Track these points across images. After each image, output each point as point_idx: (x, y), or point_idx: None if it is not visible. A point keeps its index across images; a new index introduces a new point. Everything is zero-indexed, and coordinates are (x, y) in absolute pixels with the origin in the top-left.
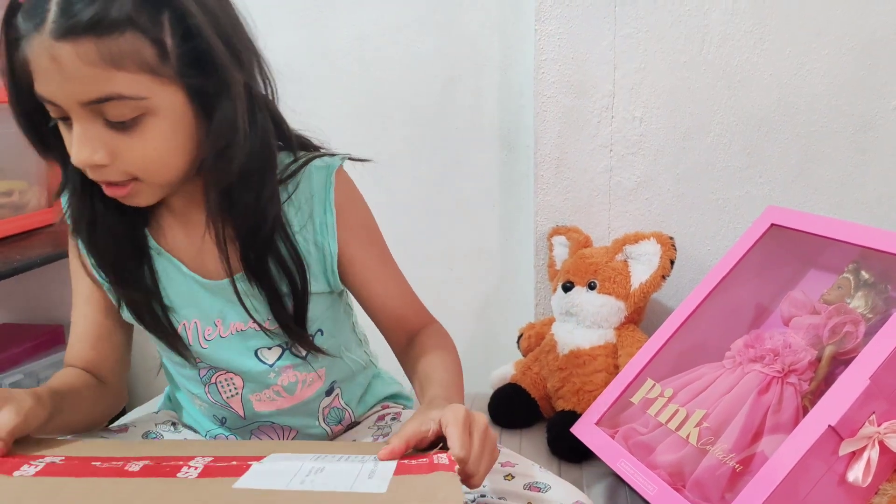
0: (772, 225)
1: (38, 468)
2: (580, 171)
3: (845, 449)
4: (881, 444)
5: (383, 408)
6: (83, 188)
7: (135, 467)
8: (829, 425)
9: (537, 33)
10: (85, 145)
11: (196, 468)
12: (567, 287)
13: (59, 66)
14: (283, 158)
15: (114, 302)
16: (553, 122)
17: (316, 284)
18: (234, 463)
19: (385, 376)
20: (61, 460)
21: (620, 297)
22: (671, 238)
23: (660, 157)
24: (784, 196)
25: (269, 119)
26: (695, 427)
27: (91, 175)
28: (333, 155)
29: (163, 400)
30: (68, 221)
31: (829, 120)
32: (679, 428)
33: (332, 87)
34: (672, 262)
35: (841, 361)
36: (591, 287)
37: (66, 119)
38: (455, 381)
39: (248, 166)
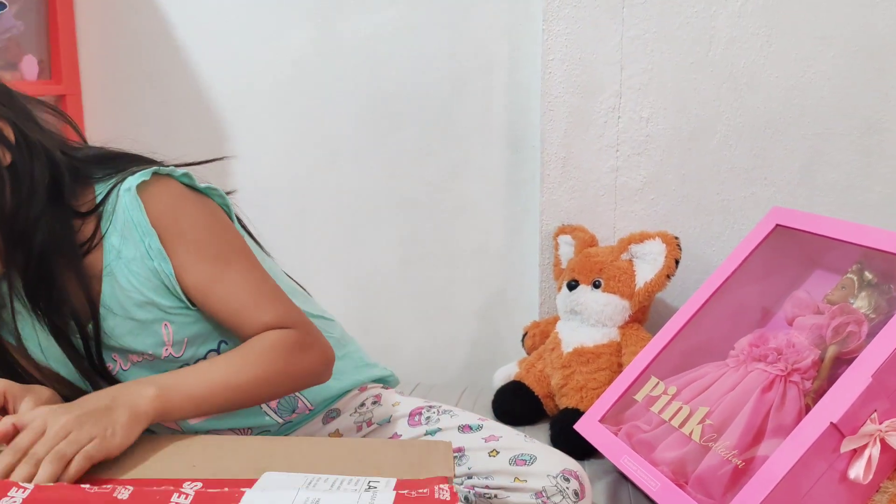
0: (776, 225)
1: (27, 494)
2: (586, 171)
3: (847, 446)
4: (882, 441)
5: (361, 390)
6: None
7: (123, 494)
8: (831, 422)
9: (545, 34)
10: None
11: (187, 496)
12: (572, 285)
13: None
14: (99, 188)
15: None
16: (560, 122)
17: (173, 307)
18: (227, 490)
19: (355, 359)
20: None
21: (625, 296)
22: (676, 238)
23: (666, 158)
24: (789, 197)
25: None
26: (698, 424)
27: None
28: (142, 170)
29: None
30: None
31: (834, 122)
32: (682, 425)
33: (342, 86)
34: (677, 262)
35: (844, 361)
36: (596, 286)
37: None
38: (190, 375)
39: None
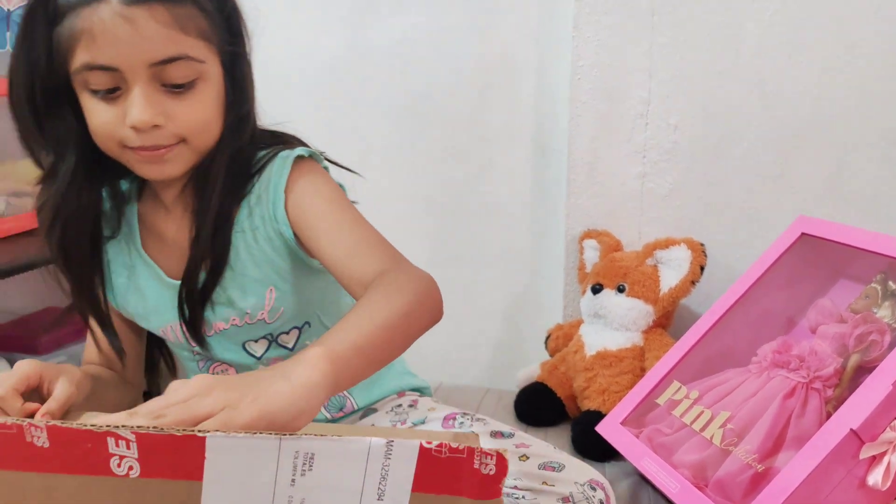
0: (802, 234)
1: None
2: (613, 176)
3: (866, 453)
4: None
5: (399, 396)
6: (78, 180)
7: (40, 439)
8: (851, 429)
9: (574, 40)
10: (147, 107)
11: (130, 454)
12: (596, 289)
13: (135, 28)
14: (259, 154)
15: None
16: (587, 127)
17: (290, 269)
18: (177, 445)
19: (398, 368)
20: None
21: (649, 300)
22: (702, 244)
23: (693, 165)
24: (815, 206)
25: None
26: (719, 428)
27: (141, 139)
28: (305, 147)
29: None
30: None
31: (861, 132)
32: (703, 429)
33: (372, 88)
34: (702, 268)
35: (866, 370)
36: (621, 290)
37: (112, 91)
38: (350, 322)
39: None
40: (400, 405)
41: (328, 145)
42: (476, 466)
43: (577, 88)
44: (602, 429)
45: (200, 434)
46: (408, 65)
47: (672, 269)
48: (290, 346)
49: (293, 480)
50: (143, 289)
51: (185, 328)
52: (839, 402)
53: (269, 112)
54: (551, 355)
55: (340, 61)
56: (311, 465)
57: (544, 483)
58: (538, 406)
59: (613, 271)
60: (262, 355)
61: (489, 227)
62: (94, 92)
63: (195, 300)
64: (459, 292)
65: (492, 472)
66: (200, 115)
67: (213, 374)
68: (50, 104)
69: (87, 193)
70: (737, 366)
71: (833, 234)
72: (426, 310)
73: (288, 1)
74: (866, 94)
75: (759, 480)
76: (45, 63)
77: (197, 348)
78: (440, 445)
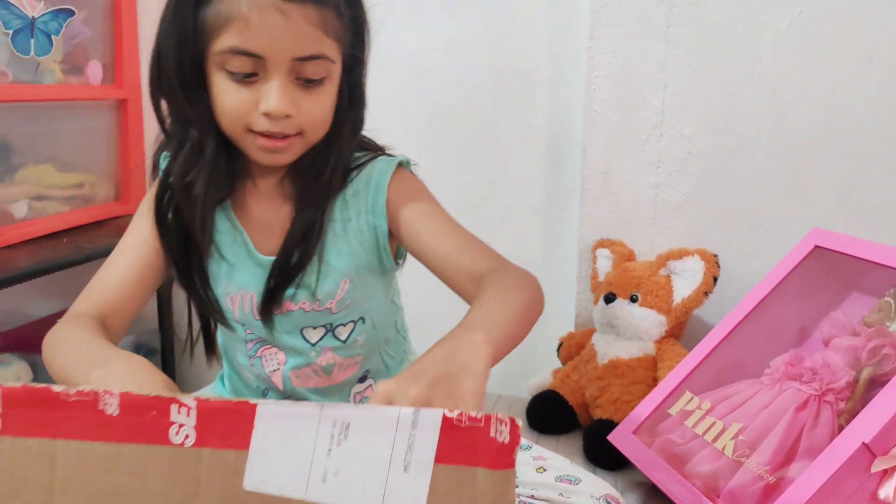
0: (815, 247)
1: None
2: (626, 186)
3: (878, 466)
4: None
5: None
6: (203, 145)
7: (111, 407)
8: (863, 442)
9: (590, 50)
10: (284, 97)
11: (188, 421)
12: (609, 298)
13: (288, 22)
14: (355, 153)
15: (170, 264)
16: (602, 137)
17: (367, 264)
18: (232, 412)
19: None
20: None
21: (662, 311)
22: (715, 255)
23: (706, 176)
24: (828, 218)
25: None
26: (731, 439)
27: (271, 126)
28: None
29: (214, 385)
30: (163, 180)
31: (875, 145)
32: (715, 440)
33: (388, 96)
34: (715, 279)
35: (879, 383)
36: (633, 300)
37: (250, 76)
38: (492, 310)
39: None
40: None
41: None
42: (492, 435)
43: (591, 99)
44: (614, 438)
45: (252, 402)
46: (424, 73)
47: (685, 280)
48: (343, 338)
49: (329, 451)
50: (228, 256)
51: (261, 301)
52: (851, 415)
53: None
54: (563, 363)
55: None
56: (346, 435)
57: (561, 495)
58: (550, 414)
59: (626, 281)
60: (316, 342)
61: (502, 234)
62: (231, 74)
63: (285, 276)
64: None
65: (506, 441)
66: (322, 112)
67: (259, 356)
68: (196, 80)
69: (212, 167)
70: (749, 377)
71: (846, 247)
72: (540, 304)
73: None
74: (881, 107)
75: (770, 492)
76: (192, 40)
77: (258, 323)
78: (460, 415)
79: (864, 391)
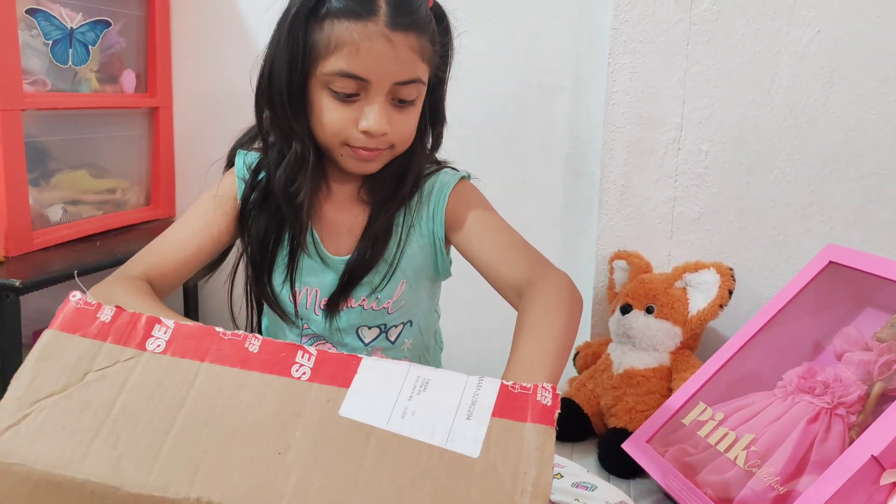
0: (830, 262)
1: (168, 335)
2: (644, 199)
3: (886, 479)
4: None
5: None
6: (306, 156)
7: (254, 346)
8: (872, 455)
9: (610, 66)
10: (383, 117)
11: (311, 356)
12: (625, 309)
13: (394, 50)
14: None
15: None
16: (620, 151)
17: (423, 269)
18: (346, 356)
19: None
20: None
21: (677, 322)
22: (731, 269)
23: (723, 190)
24: (844, 235)
25: None
26: (743, 450)
27: (368, 142)
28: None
29: None
30: (251, 181)
31: (893, 162)
32: (728, 450)
33: None
34: (730, 293)
35: (890, 398)
36: (649, 311)
37: (351, 96)
38: (534, 352)
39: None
40: None
41: None
42: (538, 399)
43: (611, 113)
44: (628, 446)
45: (359, 356)
46: (449, 85)
47: (701, 293)
48: (392, 339)
49: (410, 397)
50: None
51: (330, 297)
52: (862, 428)
53: None
54: (579, 372)
55: None
56: (425, 387)
57: (577, 500)
58: (565, 422)
59: (643, 293)
60: (369, 342)
61: None
62: (335, 93)
63: (356, 274)
64: (489, 307)
65: (549, 404)
66: (410, 128)
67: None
68: (300, 97)
69: (307, 171)
70: (762, 389)
71: (860, 263)
72: (577, 316)
73: None
74: None
75: (780, 502)
76: (301, 61)
77: (318, 318)
78: (514, 384)
79: (875, 405)
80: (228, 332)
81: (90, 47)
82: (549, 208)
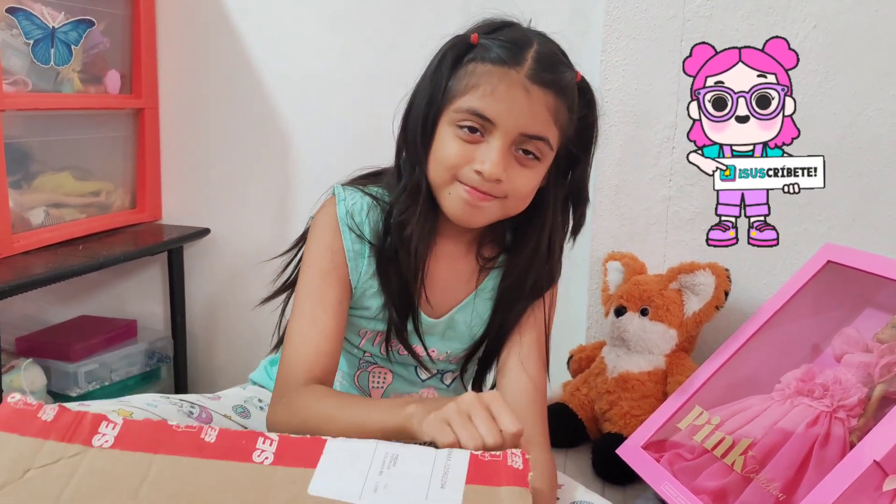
0: (828, 262)
1: (116, 431)
2: (638, 200)
3: (889, 485)
4: None
5: None
6: (421, 188)
7: (210, 436)
8: (874, 460)
9: (603, 64)
10: (500, 162)
11: (270, 448)
12: (619, 312)
13: (528, 101)
14: None
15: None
16: (614, 150)
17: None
18: (309, 437)
19: None
20: (140, 417)
21: (672, 325)
22: (727, 270)
23: None
24: (842, 234)
25: None
26: (740, 455)
27: (480, 184)
28: None
29: (259, 372)
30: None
31: (891, 161)
32: (725, 455)
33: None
34: (726, 294)
35: (891, 401)
36: (644, 313)
37: (474, 131)
38: None
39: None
40: None
41: (361, 162)
42: (509, 464)
43: (604, 112)
44: (623, 452)
45: (324, 438)
46: None
47: (696, 294)
48: (447, 383)
49: (381, 471)
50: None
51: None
52: (863, 432)
53: (302, 131)
54: (573, 376)
55: (374, 80)
56: (395, 462)
57: None
58: (559, 427)
59: (637, 294)
60: (425, 380)
61: None
62: (459, 128)
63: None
64: None
65: (520, 468)
66: (528, 187)
67: (368, 371)
68: (431, 131)
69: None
70: (760, 392)
71: (859, 262)
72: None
73: (321, 22)
74: None
75: None
76: (440, 98)
77: (383, 357)
78: (483, 452)
79: (877, 408)
80: (182, 425)
81: (73, 47)
82: None
